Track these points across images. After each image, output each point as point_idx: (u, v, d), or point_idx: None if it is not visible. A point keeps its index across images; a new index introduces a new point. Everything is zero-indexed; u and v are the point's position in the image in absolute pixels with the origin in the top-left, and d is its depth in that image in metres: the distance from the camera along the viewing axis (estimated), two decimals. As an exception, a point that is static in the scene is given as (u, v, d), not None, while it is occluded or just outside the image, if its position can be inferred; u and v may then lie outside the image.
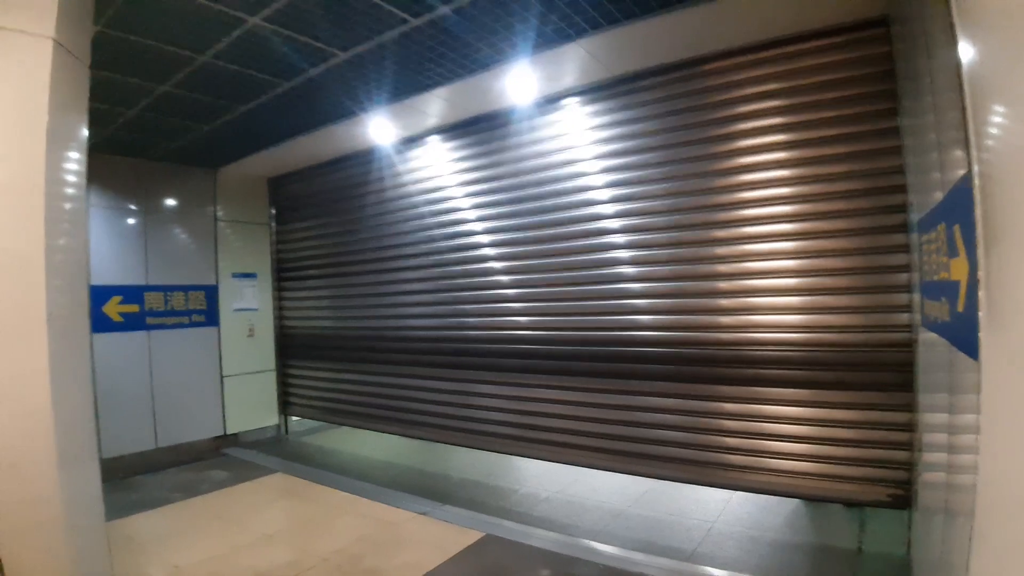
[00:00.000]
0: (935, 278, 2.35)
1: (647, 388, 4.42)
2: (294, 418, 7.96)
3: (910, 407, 3.37)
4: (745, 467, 3.98)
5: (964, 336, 1.75)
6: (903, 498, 3.45)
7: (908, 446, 3.41)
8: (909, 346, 3.37)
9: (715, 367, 4.10)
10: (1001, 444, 1.47)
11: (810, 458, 3.75)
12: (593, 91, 4.65)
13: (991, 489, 1.52)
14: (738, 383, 4.00)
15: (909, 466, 3.40)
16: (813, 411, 3.74)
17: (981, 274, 1.50)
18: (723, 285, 4.05)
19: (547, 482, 5.51)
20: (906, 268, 3.39)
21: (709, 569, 3.64)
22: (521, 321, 5.16)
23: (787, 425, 3.82)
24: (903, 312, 3.43)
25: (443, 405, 5.80)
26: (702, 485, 4.31)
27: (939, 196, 2.19)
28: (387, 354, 6.34)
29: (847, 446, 3.63)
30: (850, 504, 4.38)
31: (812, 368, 3.74)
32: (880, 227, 3.50)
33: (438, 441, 5.94)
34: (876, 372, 3.53)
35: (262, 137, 5.99)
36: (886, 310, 3.50)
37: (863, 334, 3.58)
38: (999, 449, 1.48)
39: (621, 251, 4.54)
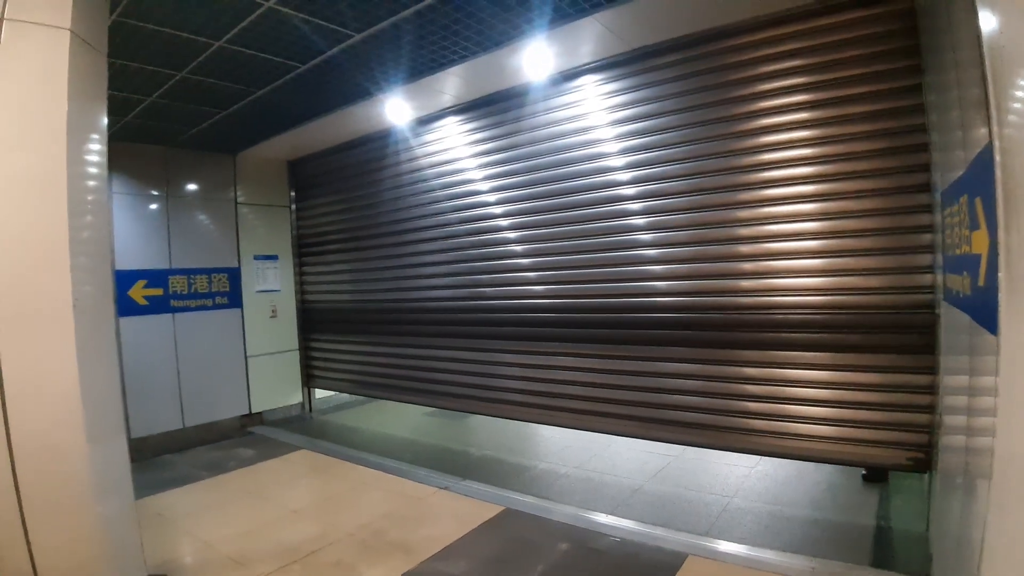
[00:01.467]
0: (957, 252, 2.32)
1: (668, 354, 4.42)
2: (318, 396, 8.11)
3: (932, 369, 3.34)
4: (766, 431, 3.98)
5: (984, 310, 1.74)
6: (923, 461, 3.43)
7: (929, 409, 3.38)
8: (932, 307, 3.33)
9: (736, 331, 4.08)
10: (1019, 417, 1.46)
11: (831, 422, 3.74)
12: (610, 67, 4.61)
13: (1008, 465, 1.52)
14: (759, 347, 3.99)
15: (930, 429, 3.38)
16: (835, 374, 3.72)
17: (1001, 247, 1.48)
18: (744, 249, 4.01)
19: (566, 458, 5.56)
20: (929, 228, 3.34)
21: (726, 543, 3.67)
22: (540, 290, 5.17)
23: (808, 389, 3.81)
24: (926, 273, 3.38)
25: (465, 375, 5.86)
26: (723, 450, 4.34)
27: (962, 172, 2.15)
28: (408, 326, 6.42)
29: (868, 409, 3.61)
30: (871, 468, 4.44)
31: (834, 331, 3.71)
32: (902, 187, 3.43)
33: (459, 410, 6.06)
34: (898, 334, 3.50)
35: (280, 121, 6.01)
36: (909, 271, 3.45)
37: (885, 295, 3.53)
38: (1017, 423, 1.47)
39: (639, 218, 4.52)
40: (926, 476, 3.64)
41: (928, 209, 3.33)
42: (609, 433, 4.88)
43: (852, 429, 3.67)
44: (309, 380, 7.97)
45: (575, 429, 5.11)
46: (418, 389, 6.39)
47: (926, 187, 3.33)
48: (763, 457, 5.13)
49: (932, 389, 3.35)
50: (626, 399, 4.67)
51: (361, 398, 8.67)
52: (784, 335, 3.89)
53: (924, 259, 3.39)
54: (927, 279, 3.38)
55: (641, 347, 4.57)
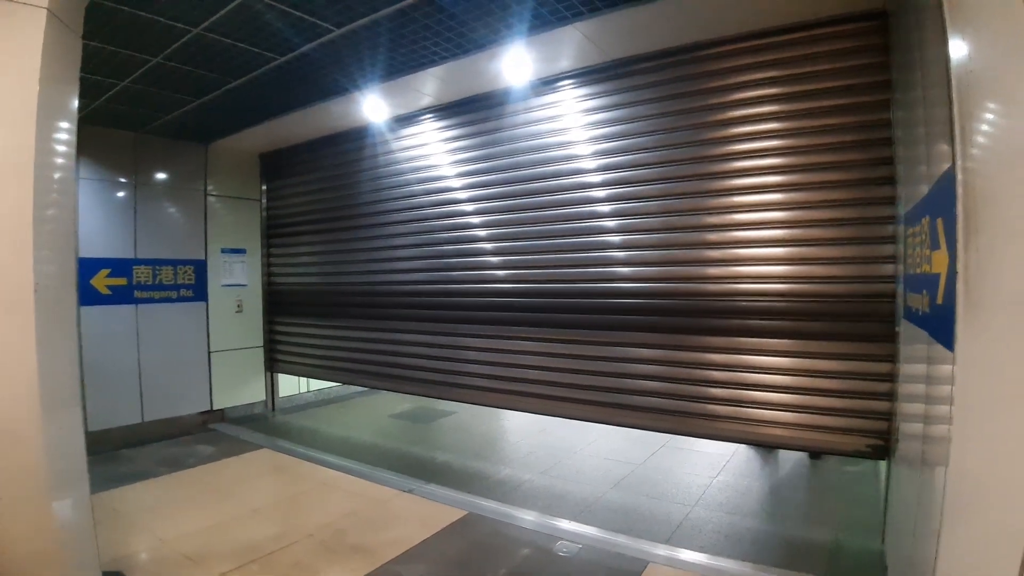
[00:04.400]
0: (917, 271, 2.39)
1: (632, 339, 4.47)
2: (282, 394, 7.99)
3: (892, 358, 3.43)
4: (729, 417, 4.04)
5: (942, 328, 1.79)
6: (882, 448, 3.52)
7: (889, 396, 3.47)
8: (893, 297, 3.42)
9: (701, 318, 4.14)
10: (973, 431, 1.51)
11: (794, 408, 3.81)
12: (587, 73, 4.67)
13: (961, 470, 1.57)
14: (723, 334, 4.05)
15: (890, 416, 3.46)
16: (797, 361, 3.80)
17: (960, 266, 1.53)
18: (711, 236, 4.08)
19: (530, 464, 5.57)
20: (891, 220, 3.42)
21: (687, 552, 3.71)
22: (507, 275, 5.21)
23: (771, 375, 3.88)
24: (888, 263, 3.46)
25: (430, 359, 5.85)
26: (686, 435, 4.41)
27: (925, 189, 2.22)
28: (374, 309, 6.40)
29: (830, 396, 3.69)
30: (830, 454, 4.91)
31: (797, 318, 3.79)
32: (866, 179, 3.53)
33: (423, 395, 6.04)
34: (859, 322, 3.59)
35: (254, 112, 5.94)
36: (871, 261, 3.54)
37: (848, 284, 3.62)
38: (972, 436, 1.52)
39: (606, 204, 4.58)
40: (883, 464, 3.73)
41: (891, 202, 3.42)
42: (573, 418, 4.90)
43: (813, 416, 3.74)
44: (273, 365, 7.83)
45: (539, 414, 5.13)
46: (383, 374, 6.36)
47: (890, 180, 3.42)
48: (721, 467, 5.23)
49: (892, 377, 3.43)
50: (590, 384, 4.70)
51: (325, 397, 8.59)
52: (748, 322, 3.96)
53: (886, 249, 3.46)
54: (888, 269, 3.46)
55: (606, 332, 4.61)
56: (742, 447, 5.87)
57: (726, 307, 4.04)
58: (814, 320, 3.73)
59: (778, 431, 3.87)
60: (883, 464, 3.92)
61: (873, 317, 3.53)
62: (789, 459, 5.33)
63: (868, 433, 3.57)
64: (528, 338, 5.07)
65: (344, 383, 7.32)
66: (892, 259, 3.44)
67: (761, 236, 3.89)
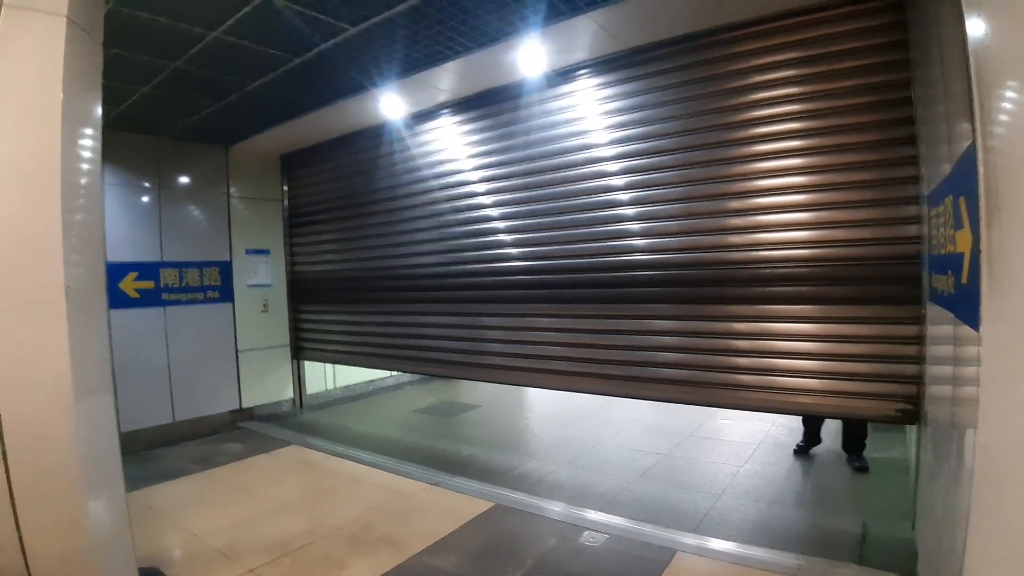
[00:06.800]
0: (942, 252, 2.35)
1: (654, 311, 4.43)
2: (309, 391, 8.09)
3: (919, 320, 3.36)
4: (754, 386, 3.99)
5: (967, 308, 1.76)
6: (912, 413, 3.46)
7: (917, 360, 3.41)
8: (918, 258, 3.36)
9: (723, 287, 4.09)
10: (1001, 409, 1.49)
11: (820, 375, 3.76)
12: (604, 63, 4.64)
13: (990, 451, 1.55)
14: (746, 302, 4.00)
15: (918, 380, 3.40)
16: (823, 327, 3.74)
17: (984, 244, 1.51)
18: (732, 204, 4.02)
19: (555, 455, 5.59)
20: (915, 180, 3.35)
21: (714, 540, 3.70)
22: (527, 252, 5.19)
23: (796, 342, 3.83)
24: (912, 224, 3.39)
25: (453, 340, 5.88)
26: (711, 406, 4.38)
27: (947, 168, 2.18)
28: (397, 292, 6.43)
29: (857, 361, 3.63)
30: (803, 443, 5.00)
31: (821, 283, 3.72)
32: (889, 140, 3.46)
33: (447, 376, 6.07)
34: (885, 285, 3.51)
35: (273, 113, 6.00)
36: (895, 223, 3.47)
37: (872, 247, 3.55)
38: (998, 416, 1.50)
39: (623, 177, 4.55)
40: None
41: (914, 162, 3.35)
42: (595, 393, 4.87)
43: (840, 382, 3.68)
44: (299, 353, 7.93)
45: (562, 390, 5.09)
46: (406, 357, 6.40)
47: (911, 140, 3.35)
48: (748, 456, 5.20)
49: (919, 340, 3.36)
50: (613, 359, 4.67)
51: (351, 394, 8.69)
52: (771, 289, 3.90)
53: (910, 210, 3.39)
54: (913, 230, 3.39)
55: (628, 306, 4.57)
56: (769, 436, 5.83)
57: (749, 275, 3.98)
58: (839, 285, 3.66)
59: (805, 399, 3.82)
60: (913, 457, 3.87)
61: (899, 280, 3.45)
62: (824, 460, 5.23)
63: (897, 397, 3.50)
64: (550, 315, 5.05)
65: (368, 367, 7.40)
66: (916, 220, 3.36)
67: (783, 202, 3.83)
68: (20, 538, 2.43)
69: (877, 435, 5.39)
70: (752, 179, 3.94)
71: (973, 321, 1.64)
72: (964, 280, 1.80)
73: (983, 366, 1.56)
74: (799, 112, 3.76)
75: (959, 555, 1.76)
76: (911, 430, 4.35)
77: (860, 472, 4.72)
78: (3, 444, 2.36)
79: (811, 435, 5.22)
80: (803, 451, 5.18)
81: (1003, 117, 1.45)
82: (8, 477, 2.39)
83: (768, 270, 3.91)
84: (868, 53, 3.53)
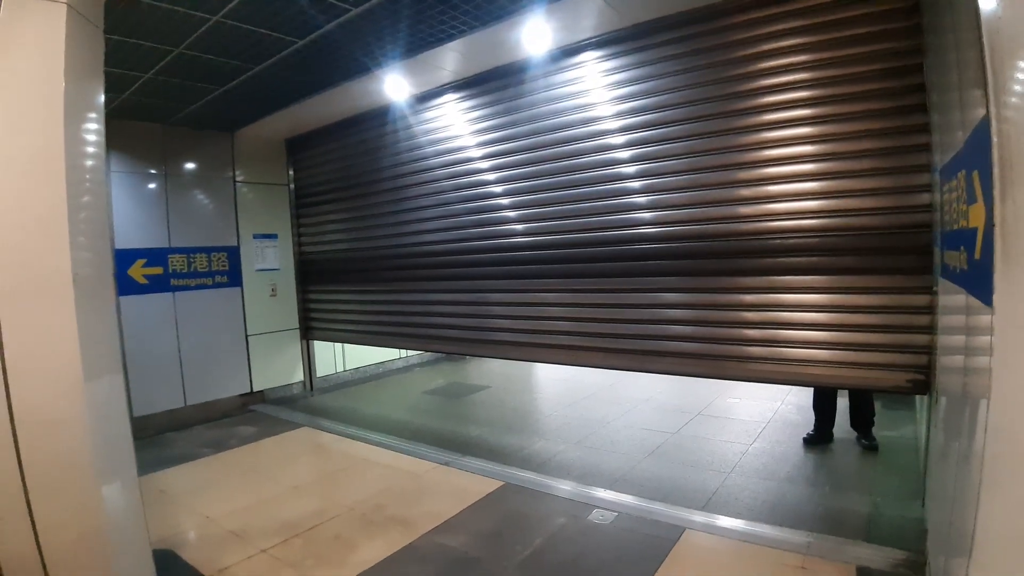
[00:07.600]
0: (955, 227, 2.32)
1: (663, 284, 4.40)
2: (319, 374, 8.16)
3: (930, 290, 3.33)
4: (764, 358, 3.96)
5: (980, 284, 1.74)
6: (923, 383, 3.43)
7: (928, 330, 3.37)
8: (929, 227, 3.31)
9: (732, 259, 4.05)
10: (1014, 386, 1.47)
11: (830, 345, 3.72)
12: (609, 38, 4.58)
13: (1001, 426, 1.54)
14: (756, 274, 3.96)
15: (929, 350, 3.37)
16: (832, 297, 3.70)
17: (997, 219, 1.48)
18: (741, 175, 3.97)
19: (564, 435, 5.61)
20: (926, 148, 3.29)
21: (723, 518, 3.71)
22: (534, 227, 5.17)
23: (806, 313, 3.79)
24: (923, 192, 3.34)
25: (460, 317, 5.88)
26: (721, 379, 4.36)
27: (960, 138, 2.14)
28: (403, 271, 6.43)
29: (867, 331, 3.60)
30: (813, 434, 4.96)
31: (831, 254, 3.68)
32: (899, 108, 3.39)
33: (455, 353, 6.04)
34: (895, 255, 3.47)
35: (277, 97, 5.96)
36: (905, 191, 3.41)
37: (882, 216, 3.50)
38: (1011, 393, 1.48)
39: (631, 149, 4.50)
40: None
41: (925, 130, 3.29)
42: (604, 367, 4.86)
43: (851, 352, 3.65)
44: (307, 333, 7.97)
45: (570, 365, 5.09)
46: (414, 335, 6.43)
47: (922, 108, 3.29)
48: (757, 434, 5.20)
49: (930, 309, 3.33)
50: (621, 332, 4.65)
51: (361, 376, 8.75)
52: (781, 260, 3.86)
53: (921, 179, 3.34)
54: (924, 199, 3.34)
55: (636, 279, 4.54)
56: (778, 415, 5.83)
57: (758, 246, 3.94)
58: (849, 255, 3.62)
59: (815, 370, 3.78)
60: (923, 436, 3.85)
61: (910, 249, 3.41)
62: (834, 439, 5.18)
63: (908, 368, 3.47)
64: (558, 290, 5.03)
65: (376, 345, 7.40)
66: (927, 188, 3.31)
67: (792, 171, 3.77)
68: (33, 523, 2.45)
69: (887, 414, 5.38)
70: (761, 149, 3.88)
71: (987, 298, 1.61)
72: (977, 255, 1.77)
73: (995, 339, 1.54)
74: (807, 80, 3.69)
75: (969, 532, 1.75)
76: (921, 408, 4.34)
77: (870, 451, 4.72)
78: (15, 430, 2.38)
79: (821, 426, 5.05)
80: (812, 442, 5.01)
81: (1018, 88, 1.41)
82: (20, 463, 2.41)
83: (778, 241, 3.86)
84: (878, 19, 3.45)
